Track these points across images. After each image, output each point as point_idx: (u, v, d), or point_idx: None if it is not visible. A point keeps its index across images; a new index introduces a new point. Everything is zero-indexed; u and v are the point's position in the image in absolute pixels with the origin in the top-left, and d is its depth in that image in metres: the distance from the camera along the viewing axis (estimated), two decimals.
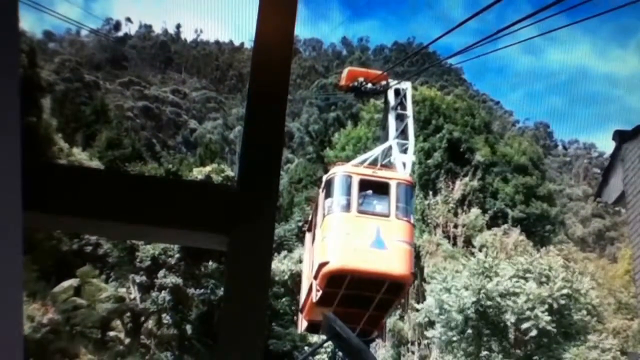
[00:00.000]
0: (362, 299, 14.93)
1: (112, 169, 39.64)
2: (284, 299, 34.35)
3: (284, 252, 36.26)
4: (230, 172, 36.43)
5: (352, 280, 14.41)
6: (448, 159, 42.44)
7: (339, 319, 4.21)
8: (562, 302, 27.10)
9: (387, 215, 14.89)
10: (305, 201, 42.41)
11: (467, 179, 40.97)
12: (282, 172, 44.62)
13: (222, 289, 22.58)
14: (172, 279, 31.34)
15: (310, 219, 18.33)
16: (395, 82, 17.92)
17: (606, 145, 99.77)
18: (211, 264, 31.85)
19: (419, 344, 32.86)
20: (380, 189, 15.22)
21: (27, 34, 52.14)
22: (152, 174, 32.61)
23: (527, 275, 27.62)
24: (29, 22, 62.99)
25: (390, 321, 30.13)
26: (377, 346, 30.70)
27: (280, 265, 34.49)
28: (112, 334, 33.19)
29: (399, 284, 14.87)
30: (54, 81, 59.77)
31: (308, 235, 17.95)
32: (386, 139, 17.15)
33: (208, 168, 35.93)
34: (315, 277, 14.79)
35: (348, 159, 23.59)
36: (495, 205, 42.00)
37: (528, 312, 26.42)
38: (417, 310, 31.03)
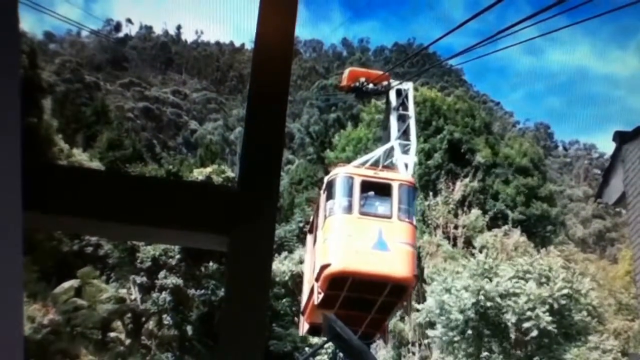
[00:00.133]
0: (364, 302, 14.73)
1: (113, 169, 39.63)
2: (284, 300, 34.37)
3: (284, 253, 36.25)
4: (230, 173, 36.44)
5: (354, 282, 14.22)
6: (448, 160, 42.42)
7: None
8: (563, 302, 27.08)
9: (390, 217, 14.70)
10: (306, 202, 42.44)
11: (467, 179, 40.91)
12: (282, 173, 44.67)
13: (222, 289, 22.60)
14: (173, 280, 31.35)
15: (311, 220, 18.16)
16: (397, 82, 17.76)
17: (607, 146, 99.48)
18: (212, 265, 31.87)
19: (420, 345, 32.84)
20: (382, 190, 15.04)
21: (27, 35, 52.19)
22: (152, 175, 32.64)
23: (527, 276, 27.61)
24: (29, 23, 62.98)
25: (391, 322, 30.07)
26: (378, 347, 30.68)
27: (281, 266, 34.48)
28: (112, 334, 33.21)
29: (402, 286, 14.68)
30: (55, 82, 59.76)
31: (309, 237, 17.74)
32: (388, 139, 16.96)
33: (208, 169, 35.93)
34: (317, 280, 14.62)
35: (348, 160, 23.51)
36: (495, 206, 41.98)
37: (529, 312, 26.40)
38: (418, 311, 31.01)
